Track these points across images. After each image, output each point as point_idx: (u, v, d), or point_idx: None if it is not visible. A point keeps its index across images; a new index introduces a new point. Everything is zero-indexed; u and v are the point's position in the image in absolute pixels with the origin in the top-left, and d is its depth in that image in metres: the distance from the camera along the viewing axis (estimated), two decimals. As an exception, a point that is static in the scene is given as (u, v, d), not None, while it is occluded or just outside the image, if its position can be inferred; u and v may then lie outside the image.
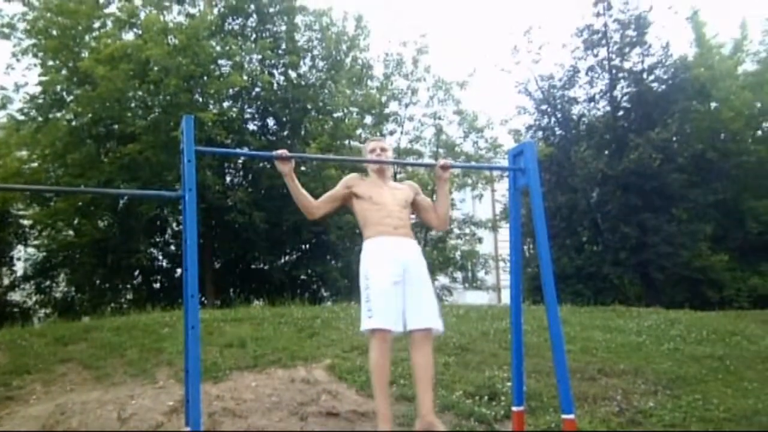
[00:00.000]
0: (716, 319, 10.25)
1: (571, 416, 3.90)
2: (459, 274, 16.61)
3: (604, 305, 11.92)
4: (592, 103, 17.72)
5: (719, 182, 16.49)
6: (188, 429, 3.49)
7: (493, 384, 6.03)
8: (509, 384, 5.80)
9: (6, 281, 14.70)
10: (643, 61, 16.89)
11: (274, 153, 3.93)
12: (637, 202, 15.69)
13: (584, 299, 14.08)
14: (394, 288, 3.70)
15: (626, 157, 15.43)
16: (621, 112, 17.29)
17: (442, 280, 16.25)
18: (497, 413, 5.49)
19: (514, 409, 4.39)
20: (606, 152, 16.69)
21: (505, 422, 5.36)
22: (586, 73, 17.41)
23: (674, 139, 15.98)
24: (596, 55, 17.14)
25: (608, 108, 17.35)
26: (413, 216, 4.37)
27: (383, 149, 4.23)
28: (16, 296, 14.54)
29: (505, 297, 20.65)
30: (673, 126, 15.60)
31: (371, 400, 5.43)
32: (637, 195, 15.73)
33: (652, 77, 16.87)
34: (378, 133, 15.41)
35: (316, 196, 4.07)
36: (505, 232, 17.12)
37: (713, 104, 17.21)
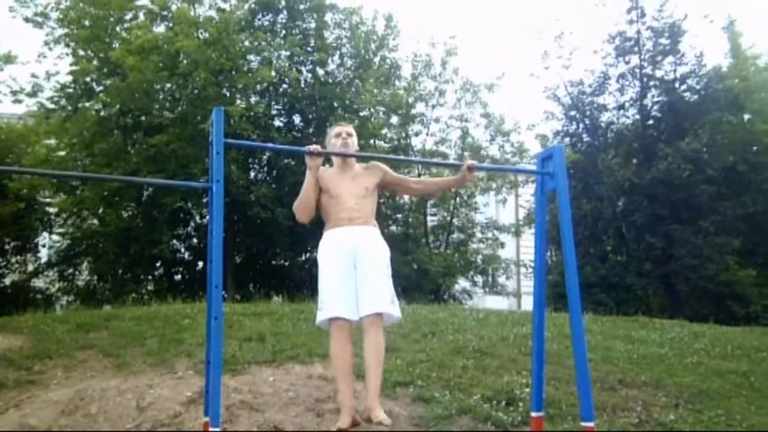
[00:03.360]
0: (742, 335, 10.03)
1: (591, 424, 3.82)
2: (480, 278, 16.51)
3: (627, 316, 11.76)
4: (622, 111, 17.49)
5: (749, 195, 16.16)
6: (206, 419, 3.49)
7: (512, 389, 5.95)
8: (528, 390, 5.72)
9: (30, 267, 14.91)
10: (675, 70, 16.63)
11: (306, 148, 3.92)
12: (664, 212, 15.44)
13: (606, 309, 13.89)
14: (345, 276, 3.65)
15: (655, 167, 15.19)
16: (651, 121, 17.04)
17: (463, 283, 16.16)
18: (514, 419, 5.42)
19: (533, 414, 4.32)
20: (634, 161, 16.45)
21: (522, 428, 5.29)
22: (617, 81, 17.19)
23: (704, 150, 15.67)
24: (628, 63, 16.92)
25: (638, 116, 17.11)
26: (393, 194, 4.36)
27: (349, 134, 4.04)
28: (39, 283, 14.75)
29: (526, 303, 20.48)
30: (704, 137, 15.32)
31: (388, 400, 5.40)
32: (664, 205, 15.48)
33: (684, 87, 16.60)
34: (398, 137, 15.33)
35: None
36: (527, 237, 16.96)
37: (746, 116, 16.88)
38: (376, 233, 3.88)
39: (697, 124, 15.79)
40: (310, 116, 14.54)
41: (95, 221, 14.11)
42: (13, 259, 14.84)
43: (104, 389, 5.34)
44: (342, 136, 4.00)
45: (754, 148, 16.73)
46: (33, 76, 13.68)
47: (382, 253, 3.85)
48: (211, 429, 3.28)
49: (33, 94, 13.72)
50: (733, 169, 15.92)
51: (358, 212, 3.84)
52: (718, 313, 14.58)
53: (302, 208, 3.88)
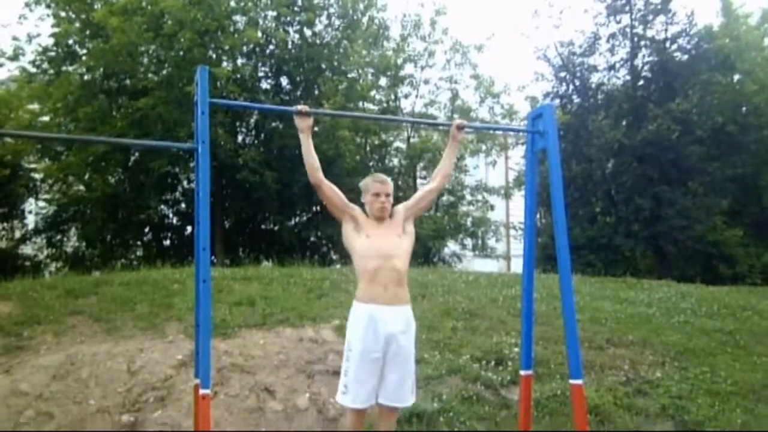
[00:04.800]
0: (728, 294, 10.19)
1: (580, 381, 3.87)
2: (469, 241, 16.56)
3: (615, 277, 11.88)
4: (612, 72, 17.35)
5: (738, 156, 16.19)
6: (197, 381, 3.49)
7: (501, 349, 6.04)
8: (516, 350, 5.79)
9: (17, 234, 14.79)
10: (666, 30, 16.47)
11: (295, 108, 3.89)
12: (653, 174, 15.48)
13: (595, 270, 14.02)
14: (374, 366, 3.65)
15: (644, 128, 15.16)
16: (641, 82, 16.95)
17: (453, 246, 16.21)
18: (503, 378, 5.50)
19: (522, 373, 4.37)
20: (624, 122, 16.40)
21: (510, 387, 5.37)
22: (607, 41, 17.01)
23: (694, 110, 15.62)
24: (618, 22, 16.74)
25: (628, 77, 17.01)
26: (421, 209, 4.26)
27: (387, 195, 3.93)
28: (27, 249, 14.63)
29: (515, 266, 20.63)
30: (694, 97, 15.26)
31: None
32: (653, 167, 15.51)
33: (674, 46, 16.47)
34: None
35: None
36: (516, 200, 16.97)
37: (736, 76, 16.80)
38: (409, 316, 3.83)
39: (687, 84, 15.73)
40: (298, 78, 14.32)
41: (82, 187, 13.95)
42: (0, 226, 14.71)
43: (95, 354, 5.35)
44: (381, 198, 3.90)
45: (743, 108, 16.71)
46: (14, 38, 13.34)
47: (412, 341, 3.83)
48: (201, 391, 3.29)
49: (14, 57, 13.38)
50: (722, 129, 15.91)
51: (396, 272, 3.74)
52: (705, 273, 14.77)
53: (310, 169, 3.83)
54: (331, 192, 3.88)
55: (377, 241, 3.79)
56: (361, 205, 3.99)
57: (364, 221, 3.88)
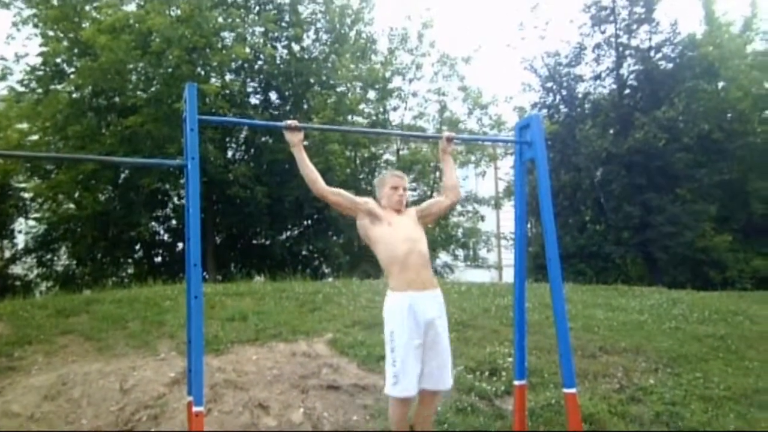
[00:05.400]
0: (719, 300, 10.24)
1: (573, 390, 3.88)
2: (461, 252, 16.58)
3: (606, 284, 11.91)
4: (598, 81, 17.56)
5: (725, 162, 16.38)
6: (190, 399, 3.48)
7: (494, 360, 6.02)
8: (510, 360, 5.79)
9: (7, 254, 14.69)
10: (650, 39, 16.70)
11: (284, 123, 3.91)
12: (642, 181, 15.61)
13: (586, 278, 14.07)
14: (418, 352, 3.69)
15: (631, 136, 15.31)
16: (627, 91, 17.14)
17: (444, 257, 16.22)
18: (498, 389, 5.49)
19: (516, 383, 4.37)
20: (611, 131, 16.55)
21: (505, 398, 5.36)
22: (593, 51, 17.22)
23: (680, 118, 15.81)
24: (603, 32, 16.95)
25: (614, 86, 17.20)
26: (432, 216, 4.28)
27: (405, 189, 4.02)
28: (17, 269, 14.53)
29: (506, 276, 20.66)
30: (680, 105, 15.44)
31: (372, 374, 5.44)
32: (641, 174, 15.64)
33: (659, 55, 16.68)
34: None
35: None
36: (507, 210, 17.04)
37: (721, 83, 17.05)
38: (442, 300, 3.89)
39: (672, 92, 15.91)
40: (287, 93, 14.38)
41: (71, 205, 13.90)
42: (-11, 246, 14.62)
43: (87, 373, 5.30)
44: (399, 192, 3.97)
45: (729, 115, 16.93)
46: (2, 58, 13.34)
47: (446, 326, 3.89)
48: (194, 408, 3.27)
49: (2, 77, 13.38)
50: (708, 136, 16.09)
51: (422, 256, 3.82)
52: (695, 279, 14.85)
53: (310, 182, 3.85)
54: (336, 198, 3.90)
55: (400, 227, 3.85)
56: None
57: (381, 212, 3.92)
